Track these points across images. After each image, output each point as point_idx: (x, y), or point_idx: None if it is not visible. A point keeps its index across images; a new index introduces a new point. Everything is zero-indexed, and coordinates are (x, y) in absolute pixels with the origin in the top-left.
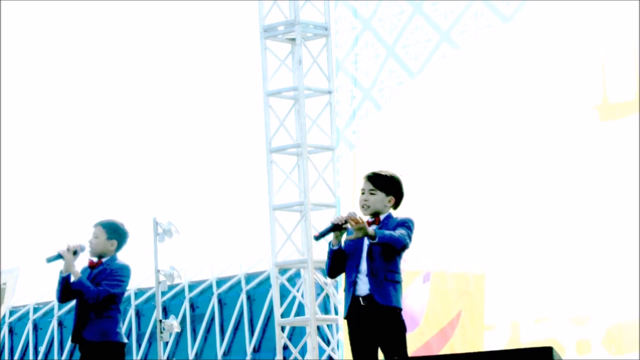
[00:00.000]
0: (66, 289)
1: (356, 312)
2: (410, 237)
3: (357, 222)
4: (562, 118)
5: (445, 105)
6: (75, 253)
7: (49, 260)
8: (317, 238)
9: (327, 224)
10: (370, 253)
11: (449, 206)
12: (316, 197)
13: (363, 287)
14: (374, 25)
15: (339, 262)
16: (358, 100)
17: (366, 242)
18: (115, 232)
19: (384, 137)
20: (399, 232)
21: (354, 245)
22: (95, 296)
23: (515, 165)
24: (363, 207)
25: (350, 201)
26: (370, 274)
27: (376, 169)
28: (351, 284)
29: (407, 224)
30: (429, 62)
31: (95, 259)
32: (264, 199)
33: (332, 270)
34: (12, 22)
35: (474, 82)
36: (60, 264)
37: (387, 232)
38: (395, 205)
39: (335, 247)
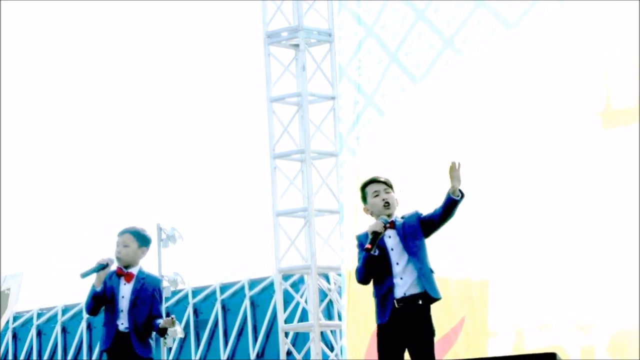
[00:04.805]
0: (99, 303)
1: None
2: None
3: None
4: (565, 124)
5: (448, 111)
6: (107, 266)
7: (89, 273)
8: (370, 250)
9: (369, 236)
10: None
11: None
12: (320, 203)
13: (399, 290)
14: (376, 31)
15: (375, 267)
16: (361, 107)
17: (389, 247)
18: (145, 240)
19: (386, 143)
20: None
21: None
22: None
23: (519, 172)
24: (385, 205)
25: (353, 207)
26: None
27: (376, 175)
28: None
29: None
30: (432, 68)
31: (123, 268)
32: (268, 205)
33: (367, 276)
34: (12, 22)
35: (477, 88)
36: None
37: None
38: None
39: (377, 253)
